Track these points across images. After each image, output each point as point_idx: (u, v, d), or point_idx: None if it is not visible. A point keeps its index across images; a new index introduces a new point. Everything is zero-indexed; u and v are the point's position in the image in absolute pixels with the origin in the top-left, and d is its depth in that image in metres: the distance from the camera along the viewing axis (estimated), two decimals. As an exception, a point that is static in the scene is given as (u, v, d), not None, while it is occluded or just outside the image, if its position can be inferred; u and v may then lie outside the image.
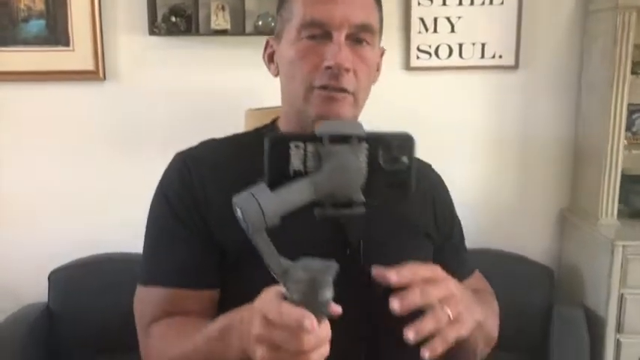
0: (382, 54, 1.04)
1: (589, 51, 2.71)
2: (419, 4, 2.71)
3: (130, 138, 2.79)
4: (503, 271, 2.64)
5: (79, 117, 2.77)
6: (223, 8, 2.67)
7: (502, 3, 2.71)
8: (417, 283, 0.75)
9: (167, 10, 2.67)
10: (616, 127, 2.52)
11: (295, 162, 0.71)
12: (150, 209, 1.03)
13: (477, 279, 1.11)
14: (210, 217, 0.94)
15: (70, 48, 2.71)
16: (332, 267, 0.64)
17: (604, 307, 2.46)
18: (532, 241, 2.86)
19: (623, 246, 2.40)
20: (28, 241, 2.79)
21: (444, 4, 2.71)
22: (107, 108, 2.77)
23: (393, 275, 0.75)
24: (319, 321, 0.63)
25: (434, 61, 2.76)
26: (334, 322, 0.66)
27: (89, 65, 2.72)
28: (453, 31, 2.74)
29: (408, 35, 2.73)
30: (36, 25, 2.70)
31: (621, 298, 2.44)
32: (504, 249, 2.73)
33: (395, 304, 0.73)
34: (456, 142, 2.82)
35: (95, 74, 2.72)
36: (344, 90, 0.91)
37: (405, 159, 0.72)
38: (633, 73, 2.52)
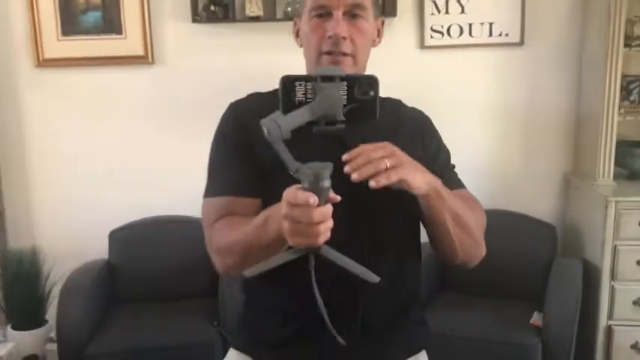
0: (382, 23, 1.34)
1: (587, 28, 2.97)
2: (432, -12, 3.00)
3: (176, 115, 3.16)
4: (511, 230, 2.93)
5: (132, 97, 3.15)
6: (256, -4, 3.00)
7: (507, -15, 2.99)
8: (365, 153, 1.05)
9: (207, 0, 3.01)
10: (611, 97, 2.77)
11: (299, 94, 1.03)
12: (211, 145, 1.36)
13: (463, 193, 1.35)
14: (253, 146, 1.26)
15: (123, 36, 3.08)
16: (329, 165, 0.94)
17: (600, 257, 2.74)
18: (538, 202, 3.14)
19: (616, 202, 2.67)
20: (89, 205, 3.19)
21: (454, -13, 3.00)
22: (155, 89, 3.14)
23: (345, 155, 1.04)
24: (323, 203, 0.93)
25: (446, 40, 3.05)
26: (336, 206, 0.96)
27: (139, 51, 3.09)
28: (463, 12, 3.02)
29: (422, 17, 3.02)
30: (93, 17, 3.08)
31: (615, 249, 2.71)
32: (512, 209, 3.02)
33: (347, 169, 1.02)
34: (468, 113, 3.11)
35: (145, 59, 3.10)
36: (344, 53, 1.22)
37: (371, 92, 1.04)
38: (626, 46, 2.77)
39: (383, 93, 1.22)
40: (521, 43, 3.05)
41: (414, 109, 1.42)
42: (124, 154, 3.18)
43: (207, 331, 2.65)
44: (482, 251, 1.30)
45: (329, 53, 1.23)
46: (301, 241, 0.96)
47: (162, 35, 3.10)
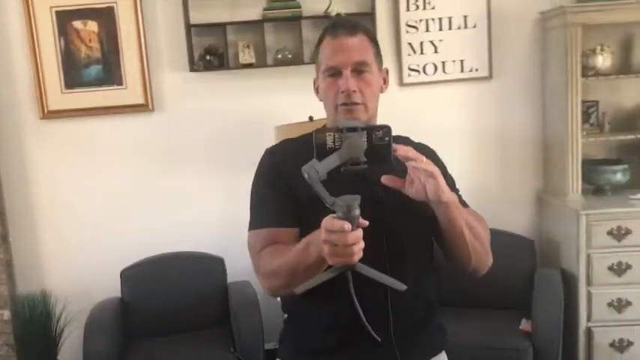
0: (387, 72, 1.59)
1: (548, 61, 3.32)
2: (407, 31, 3.32)
3: (176, 156, 3.37)
4: (494, 245, 3.18)
5: (134, 142, 3.35)
6: (249, 46, 3.26)
7: (475, 26, 3.33)
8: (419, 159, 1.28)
9: (202, 50, 3.26)
10: (574, 121, 3.11)
11: (329, 143, 1.26)
12: (252, 185, 1.57)
13: (470, 211, 1.57)
14: (289, 183, 1.47)
15: (124, 86, 3.29)
16: (357, 198, 1.18)
17: (575, 266, 3.04)
18: (516, 219, 3.45)
19: (586, 214, 2.99)
20: (97, 247, 3.35)
21: (428, 30, 3.32)
22: (156, 133, 3.35)
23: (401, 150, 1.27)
24: (354, 228, 1.16)
25: (422, 77, 3.36)
26: (365, 230, 1.19)
27: (140, 100, 3.31)
28: (436, 52, 3.34)
29: (400, 58, 3.33)
30: (95, 70, 3.29)
31: (588, 257, 3.01)
32: (493, 227, 3.28)
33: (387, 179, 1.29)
34: (446, 142, 3.32)
35: (145, 107, 3.31)
36: (355, 103, 1.47)
37: (386, 139, 1.27)
38: (583, 76, 3.12)
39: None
40: (489, 77, 3.38)
41: (420, 144, 1.66)
42: (129, 196, 3.36)
43: (223, 358, 2.82)
44: (491, 260, 1.52)
45: (344, 104, 1.47)
46: (339, 261, 1.18)
47: (161, 84, 3.32)
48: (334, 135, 1.26)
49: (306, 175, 1.21)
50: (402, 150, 1.28)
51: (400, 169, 1.43)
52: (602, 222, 2.99)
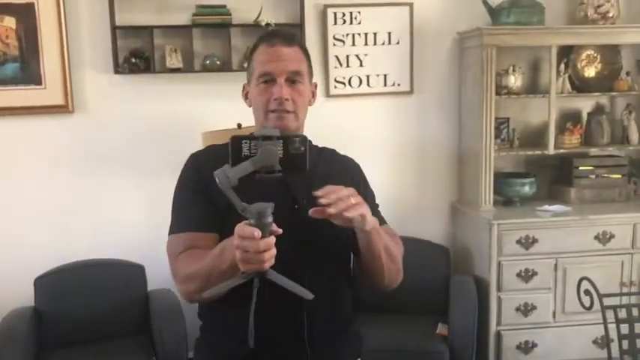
0: (316, 86, 1.65)
1: (465, 78, 3.51)
2: (334, 44, 3.41)
3: (97, 161, 3.27)
4: (409, 252, 3.30)
5: (51, 144, 3.23)
6: (176, 51, 3.23)
7: (398, 43, 3.47)
8: (336, 191, 1.31)
9: (128, 53, 3.20)
10: (487, 137, 3.31)
11: (244, 150, 1.28)
12: (175, 189, 1.57)
13: (387, 229, 1.61)
14: (211, 190, 1.45)
15: (42, 86, 3.17)
16: (270, 205, 1.20)
17: (487, 272, 3.23)
18: (431, 227, 3.61)
19: (498, 224, 3.19)
20: (10, 253, 3.19)
21: (354, 44, 3.43)
22: (76, 136, 3.25)
23: (319, 192, 1.29)
24: (266, 235, 1.18)
25: (348, 90, 3.46)
26: (282, 237, 1.21)
27: (59, 100, 3.19)
28: (361, 65, 3.46)
29: (327, 69, 3.42)
30: (11, 68, 3.14)
31: (499, 265, 3.21)
32: (410, 235, 3.43)
33: (324, 201, 1.28)
34: (368, 152, 3.47)
35: (65, 108, 3.20)
36: (287, 111, 1.50)
37: (302, 148, 1.27)
38: (497, 94, 3.33)
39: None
40: (411, 91, 3.53)
41: (345, 157, 1.72)
42: (45, 201, 3.23)
43: (145, 366, 2.77)
44: (401, 277, 1.59)
45: (274, 111, 1.50)
46: (250, 267, 1.21)
47: (82, 85, 3.23)
48: (250, 142, 1.27)
49: (217, 180, 1.23)
50: (323, 193, 1.30)
51: (321, 176, 1.49)
52: (512, 231, 3.20)
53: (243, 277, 1.23)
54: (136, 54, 3.20)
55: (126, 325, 3.08)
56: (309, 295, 1.26)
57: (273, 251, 1.20)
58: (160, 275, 3.22)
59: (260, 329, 1.33)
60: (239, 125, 3.04)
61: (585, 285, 2.07)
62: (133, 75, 3.21)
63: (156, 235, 3.32)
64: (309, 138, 1.38)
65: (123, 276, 3.17)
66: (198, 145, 2.99)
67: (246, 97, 1.61)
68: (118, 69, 3.16)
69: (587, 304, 2.09)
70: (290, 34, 1.58)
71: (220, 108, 3.27)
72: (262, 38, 1.55)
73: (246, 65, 1.67)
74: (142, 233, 3.32)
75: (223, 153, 1.50)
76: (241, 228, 1.19)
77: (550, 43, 3.32)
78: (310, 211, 1.32)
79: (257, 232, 1.16)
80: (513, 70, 3.40)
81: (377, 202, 1.68)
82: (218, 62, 3.25)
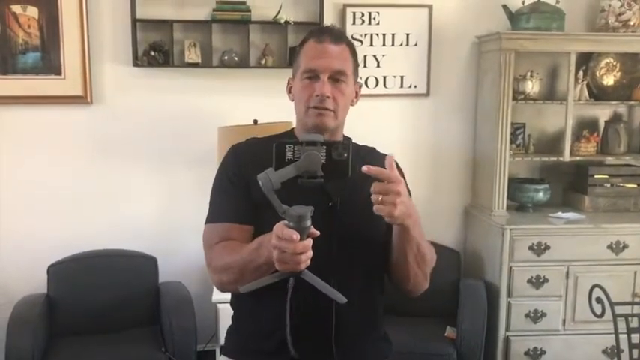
0: (360, 87, 1.64)
1: (482, 82, 3.50)
2: (352, 44, 3.40)
3: (113, 152, 3.30)
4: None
5: (70, 134, 3.26)
6: (195, 45, 3.25)
7: (416, 44, 3.47)
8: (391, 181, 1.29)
9: (147, 46, 3.22)
10: (503, 142, 3.30)
11: (288, 155, 1.30)
12: (214, 179, 1.60)
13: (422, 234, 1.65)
14: (249, 183, 1.50)
15: (62, 76, 3.20)
16: (310, 209, 1.22)
17: (498, 277, 3.21)
18: (443, 230, 3.60)
19: (511, 229, 3.17)
20: (26, 240, 3.24)
21: (372, 44, 3.43)
22: (94, 126, 3.28)
23: (365, 168, 1.28)
24: (304, 238, 1.21)
25: (364, 90, 3.44)
26: (316, 240, 1.23)
27: (78, 91, 3.22)
28: (378, 66, 3.46)
29: (344, 69, 3.42)
30: (32, 57, 3.18)
31: (510, 270, 3.20)
32: (422, 238, 3.43)
33: (375, 189, 1.27)
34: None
35: (83, 99, 3.23)
36: (327, 109, 1.51)
37: (345, 155, 1.28)
38: (514, 99, 3.32)
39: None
40: (427, 93, 3.53)
41: (385, 155, 1.71)
42: (60, 190, 3.26)
43: (154, 357, 2.79)
44: (427, 285, 1.59)
45: (315, 108, 1.51)
46: (286, 267, 1.23)
47: (101, 77, 3.25)
48: (294, 147, 1.29)
49: (260, 183, 1.25)
50: (374, 170, 1.29)
51: (360, 183, 1.45)
52: (524, 237, 3.18)
53: (278, 276, 1.26)
54: (156, 47, 3.22)
55: (136, 316, 3.10)
56: (342, 299, 1.28)
57: (310, 253, 1.22)
58: (171, 267, 3.27)
59: (289, 325, 1.37)
60: (255, 121, 3.06)
61: (597, 292, 2.06)
62: (152, 68, 3.23)
63: (169, 228, 3.39)
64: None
65: (135, 267, 3.20)
66: (215, 140, 3.03)
67: (289, 91, 1.62)
68: (137, 62, 3.19)
69: (599, 312, 2.08)
70: (339, 31, 1.58)
71: (237, 104, 3.29)
72: (312, 33, 1.56)
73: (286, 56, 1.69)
74: (156, 225, 3.35)
75: (263, 148, 1.51)
76: (280, 229, 1.21)
77: (569, 49, 3.30)
78: (364, 168, 1.29)
79: (295, 235, 1.18)
80: (531, 76, 3.39)
81: None
82: (236, 58, 3.27)
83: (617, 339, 2.10)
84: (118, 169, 3.31)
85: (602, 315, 2.08)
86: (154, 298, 3.13)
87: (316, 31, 1.58)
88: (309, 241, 1.22)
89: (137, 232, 3.32)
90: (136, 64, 3.19)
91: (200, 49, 3.26)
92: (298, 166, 1.27)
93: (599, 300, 2.07)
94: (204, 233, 1.57)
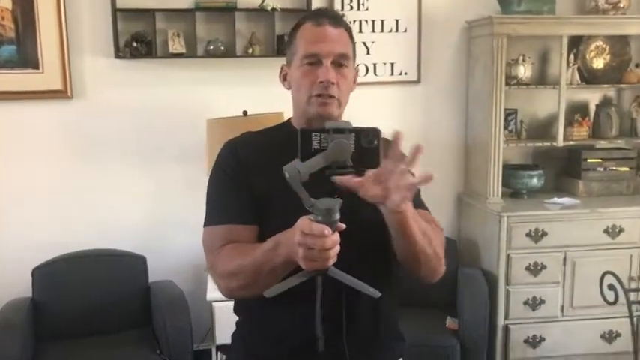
0: (357, 72, 1.54)
1: (473, 68, 3.45)
2: (341, 31, 3.31)
3: (96, 148, 3.17)
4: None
5: (50, 131, 3.12)
6: (178, 35, 3.13)
7: (406, 31, 3.39)
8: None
9: (129, 37, 3.09)
10: (496, 127, 3.25)
11: (314, 144, 1.20)
12: (209, 179, 1.49)
13: (426, 214, 1.57)
14: (249, 178, 1.42)
15: (40, 70, 3.05)
16: (338, 201, 1.14)
17: (495, 265, 3.17)
18: (437, 219, 3.53)
19: (508, 216, 3.13)
20: (8, 243, 3.09)
21: (361, 31, 3.34)
22: (75, 122, 3.14)
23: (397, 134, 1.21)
24: (333, 232, 1.13)
25: (354, 78, 3.37)
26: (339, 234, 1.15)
27: (57, 85, 3.08)
28: (368, 53, 3.37)
29: (333, 57, 3.32)
30: (7, 51, 3.02)
31: (508, 258, 3.16)
32: (417, 228, 3.37)
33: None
34: (374, 143, 3.44)
35: (63, 93, 3.09)
36: (332, 96, 1.41)
37: (375, 142, 1.20)
38: (507, 84, 3.27)
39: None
40: (418, 80, 3.46)
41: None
42: (43, 189, 3.12)
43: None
44: (443, 268, 1.48)
45: (319, 96, 1.41)
46: (313, 265, 1.14)
47: (82, 70, 3.11)
48: (320, 136, 1.19)
49: (286, 175, 1.15)
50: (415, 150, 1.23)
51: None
52: (521, 224, 3.14)
53: (304, 275, 1.17)
54: (138, 38, 3.09)
55: (127, 318, 3.00)
56: (376, 293, 1.20)
57: (338, 248, 1.14)
58: (161, 266, 3.16)
59: (298, 329, 1.29)
60: (245, 113, 2.96)
61: (609, 279, 2.02)
62: (134, 60, 3.10)
63: (158, 225, 3.27)
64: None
65: (123, 267, 3.08)
66: (203, 133, 2.92)
67: (284, 78, 1.51)
68: (118, 53, 3.06)
69: (612, 299, 2.03)
70: (337, 14, 1.48)
71: (225, 95, 3.19)
72: (307, 17, 1.46)
73: (286, 42, 1.54)
74: (144, 223, 3.23)
75: (262, 141, 1.46)
76: (308, 224, 1.12)
77: (561, 32, 3.26)
78: (337, 179, 1.21)
79: (328, 230, 1.10)
80: (523, 60, 3.34)
81: None
82: (222, 48, 3.16)
83: (632, 324, 2.06)
84: (103, 166, 3.18)
85: (615, 302, 2.03)
86: (144, 298, 3.02)
87: (313, 13, 1.48)
88: (337, 236, 1.13)
89: (124, 231, 3.20)
90: (117, 56, 3.06)
91: (184, 38, 3.14)
92: (327, 155, 1.17)
93: (611, 287, 2.02)
94: (205, 237, 1.46)
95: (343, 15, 1.50)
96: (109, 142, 3.17)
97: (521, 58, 3.34)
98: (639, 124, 3.56)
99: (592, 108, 3.63)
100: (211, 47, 3.15)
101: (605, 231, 3.20)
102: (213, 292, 2.82)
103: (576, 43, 3.48)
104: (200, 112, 3.07)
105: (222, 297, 2.74)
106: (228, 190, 1.45)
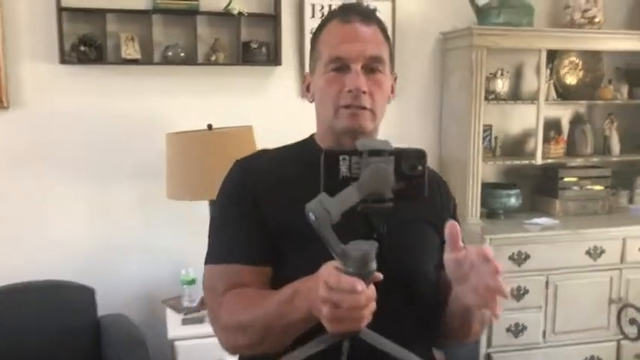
0: (395, 79, 1.29)
1: (447, 81, 3.27)
2: (311, 39, 3.07)
3: (38, 166, 2.78)
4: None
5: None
6: (133, 39, 2.80)
7: (379, 41, 3.18)
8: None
9: (76, 40, 2.74)
10: (475, 144, 3.08)
11: (342, 170, 0.95)
12: (215, 205, 1.24)
13: None
14: (264, 210, 1.17)
15: (-30, 76, 2.66)
16: (374, 245, 0.88)
17: (477, 291, 2.98)
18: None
19: (490, 239, 2.95)
20: None
21: (332, 40, 3.11)
22: (12, 136, 2.75)
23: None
24: (367, 285, 0.87)
25: (325, 90, 3.13)
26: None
27: (-10, 93, 2.68)
28: (340, 63, 3.13)
29: (303, 67, 3.06)
30: None
31: (490, 282, 2.97)
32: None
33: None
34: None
35: (-2, 102, 2.70)
36: (363, 107, 1.17)
37: (419, 167, 0.97)
38: (485, 99, 3.11)
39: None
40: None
41: (434, 171, 1.36)
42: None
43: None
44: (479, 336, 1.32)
45: (347, 107, 1.17)
46: (341, 327, 0.89)
47: (19, 77, 2.74)
48: (350, 159, 0.94)
49: (312, 217, 0.88)
50: (481, 251, 0.98)
51: (426, 206, 1.18)
52: (505, 247, 2.98)
53: (328, 340, 0.90)
54: (86, 41, 2.74)
55: (73, 357, 2.61)
56: None
57: (373, 305, 0.88)
58: (112, 298, 2.81)
59: None
60: (209, 126, 2.65)
61: (631, 313, 1.84)
62: (82, 66, 2.75)
63: (108, 252, 2.89)
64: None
65: (68, 300, 2.70)
66: (162, 148, 2.60)
67: (307, 89, 1.27)
68: (64, 58, 2.70)
69: (634, 335, 1.85)
70: (369, 9, 1.23)
71: (186, 106, 2.88)
72: (333, 14, 1.22)
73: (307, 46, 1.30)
74: (91, 250, 2.86)
75: (276, 163, 1.21)
76: (335, 276, 0.86)
77: (540, 46, 3.13)
78: (449, 227, 1.00)
79: (361, 285, 0.84)
80: (501, 75, 3.20)
81: None
82: (182, 54, 2.85)
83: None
84: (44, 185, 2.80)
85: (638, 338, 1.85)
86: (93, 334, 2.65)
87: (339, 9, 1.23)
88: (373, 290, 0.88)
89: (69, 260, 2.82)
90: (63, 61, 2.70)
91: (139, 43, 2.81)
92: (362, 186, 0.91)
93: (633, 322, 1.85)
94: (207, 278, 1.20)
95: (375, 10, 1.24)
96: (51, 158, 2.79)
97: (499, 72, 3.19)
98: (612, 141, 3.47)
99: (565, 125, 3.53)
100: (170, 53, 2.84)
101: (587, 252, 3.07)
102: (175, 329, 2.50)
103: (551, 58, 3.37)
104: (158, 125, 2.76)
105: (186, 335, 2.41)
106: (235, 221, 1.19)
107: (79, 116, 2.80)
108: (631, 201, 3.58)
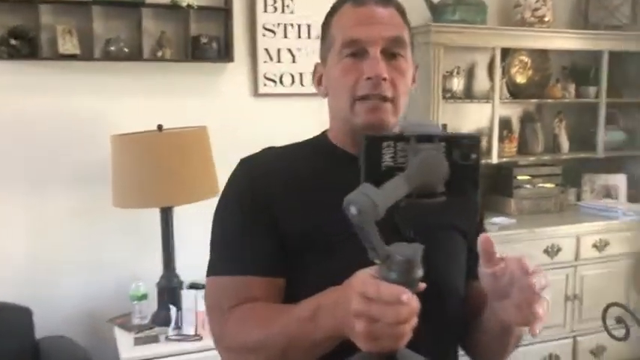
0: (416, 68, 1.14)
1: (404, 80, 3.19)
2: (264, 35, 2.91)
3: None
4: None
5: None
6: (70, 32, 2.56)
7: (334, 37, 3.06)
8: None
9: (6, 33, 2.47)
10: (433, 143, 3.01)
11: (386, 158, 0.82)
12: (218, 210, 1.07)
13: None
14: (275, 211, 1.02)
15: None
16: (420, 248, 0.75)
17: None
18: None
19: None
20: None
21: (286, 36, 2.96)
22: None
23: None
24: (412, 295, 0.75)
25: (279, 88, 2.98)
26: None
27: None
28: (294, 61, 2.99)
29: (255, 64, 2.91)
30: None
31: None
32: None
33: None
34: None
35: None
36: (384, 98, 1.02)
37: (473, 156, 0.83)
38: (443, 97, 3.05)
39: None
40: (347, 92, 3.14)
41: None
42: None
43: None
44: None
45: (364, 98, 1.03)
46: (377, 345, 0.76)
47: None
48: (395, 145, 0.81)
49: (353, 211, 0.74)
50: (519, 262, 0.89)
51: (455, 210, 1.07)
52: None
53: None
54: (17, 34, 2.48)
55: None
56: None
57: (415, 320, 0.74)
58: (52, 319, 2.54)
59: None
60: (160, 127, 2.44)
61: (616, 312, 1.80)
62: (13, 61, 2.49)
63: (45, 268, 2.61)
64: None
65: (2, 322, 2.42)
66: (106, 152, 2.37)
67: (319, 82, 1.12)
68: (-7, 52, 2.42)
69: (621, 335, 1.81)
70: None
71: (132, 106, 2.67)
72: None
73: (319, 36, 1.14)
74: (27, 265, 2.58)
75: (288, 161, 1.07)
76: (374, 285, 0.73)
77: (494, 44, 3.12)
78: (483, 239, 0.88)
79: (406, 295, 0.71)
80: (457, 73, 3.16)
81: None
82: (125, 49, 2.62)
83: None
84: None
85: (626, 338, 1.81)
86: (31, 359, 2.38)
87: None
88: (417, 302, 0.74)
89: (2, 277, 2.53)
90: (-9, 56, 2.42)
91: (77, 36, 2.57)
92: (411, 176, 0.79)
93: (620, 320, 1.81)
94: (209, 292, 1.05)
95: None
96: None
97: (455, 70, 3.15)
98: (562, 139, 3.51)
99: (515, 123, 3.54)
100: (112, 48, 2.61)
101: (545, 251, 3.08)
102: (128, 350, 2.27)
103: (503, 56, 3.36)
104: (101, 127, 2.53)
105: (140, 356, 2.19)
106: (243, 228, 1.04)
107: (11, 118, 2.53)
108: (579, 198, 3.64)
